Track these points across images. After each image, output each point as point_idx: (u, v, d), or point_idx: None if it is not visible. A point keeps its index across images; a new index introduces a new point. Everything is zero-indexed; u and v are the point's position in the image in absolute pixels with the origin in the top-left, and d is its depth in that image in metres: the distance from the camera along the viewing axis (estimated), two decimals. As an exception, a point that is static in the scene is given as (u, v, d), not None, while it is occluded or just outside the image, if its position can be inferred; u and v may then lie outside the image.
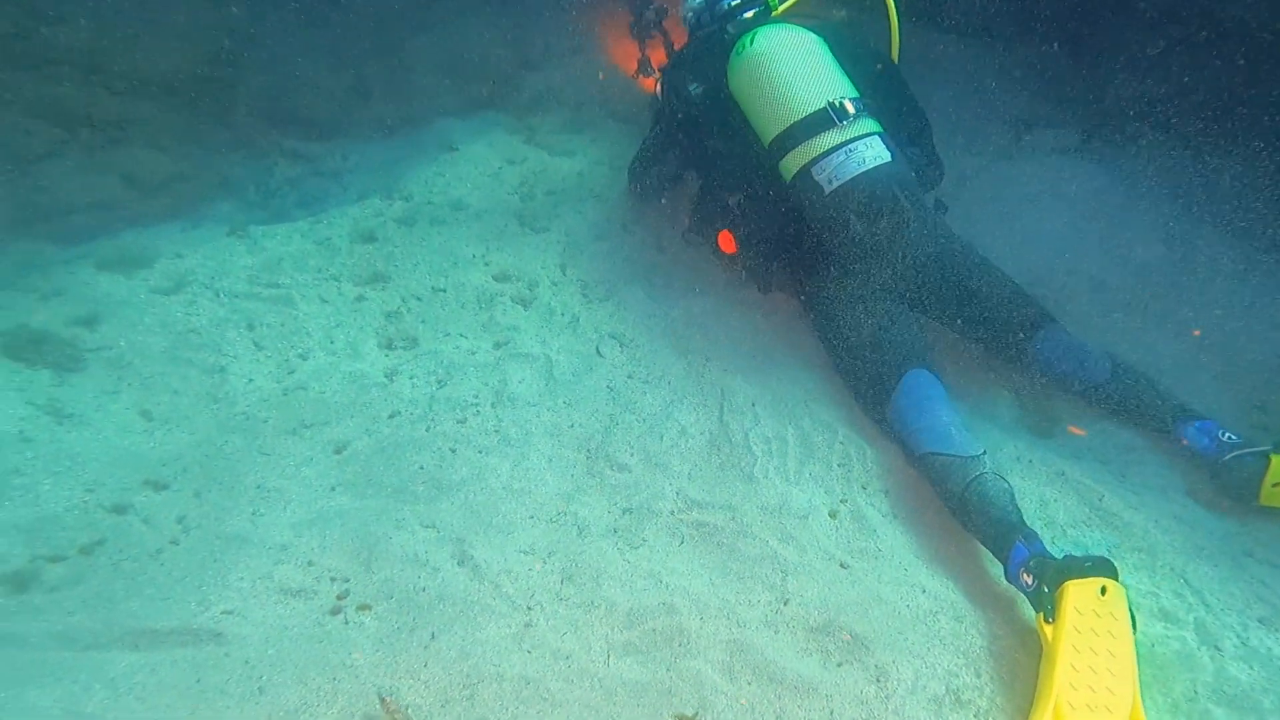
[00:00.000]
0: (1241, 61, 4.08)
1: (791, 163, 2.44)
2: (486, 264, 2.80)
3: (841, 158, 2.37)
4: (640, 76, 3.67)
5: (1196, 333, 3.05)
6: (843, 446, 2.32)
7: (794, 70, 2.45)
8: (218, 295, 2.53)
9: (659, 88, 2.99)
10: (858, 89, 2.53)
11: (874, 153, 2.39)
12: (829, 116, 2.39)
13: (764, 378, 2.49)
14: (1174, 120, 4.25)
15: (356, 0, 4.45)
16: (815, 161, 2.39)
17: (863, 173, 2.36)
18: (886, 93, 2.63)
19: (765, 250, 2.56)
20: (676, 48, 3.55)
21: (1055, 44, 4.77)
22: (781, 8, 2.87)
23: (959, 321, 2.54)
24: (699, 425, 2.34)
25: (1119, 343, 2.96)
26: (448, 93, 4.13)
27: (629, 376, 2.46)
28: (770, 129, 2.47)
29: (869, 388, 2.33)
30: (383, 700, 1.59)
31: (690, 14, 3.02)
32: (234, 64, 3.66)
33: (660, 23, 3.55)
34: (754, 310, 2.74)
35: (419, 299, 2.64)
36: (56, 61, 2.98)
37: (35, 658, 1.61)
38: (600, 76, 4.18)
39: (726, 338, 2.61)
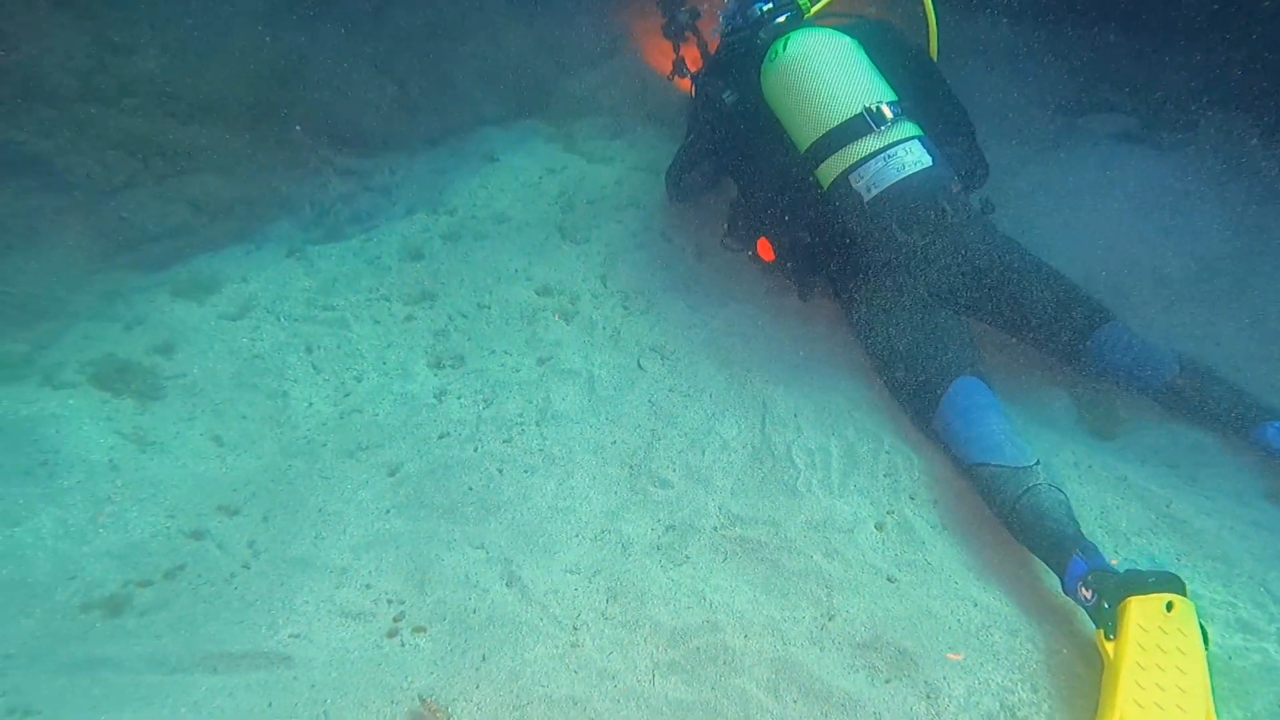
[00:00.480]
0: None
1: (829, 170, 2.41)
2: (529, 278, 2.87)
3: (880, 164, 2.33)
4: (675, 77, 3.68)
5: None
6: (889, 456, 2.30)
7: (828, 75, 2.42)
8: (279, 319, 2.69)
9: (693, 94, 2.97)
10: (896, 91, 2.48)
11: (914, 158, 2.34)
12: (866, 122, 2.36)
13: (806, 387, 2.48)
14: (1240, 102, 3.97)
15: (399, 13, 4.57)
16: (853, 168, 2.36)
17: (903, 179, 2.32)
18: (926, 92, 2.57)
19: (805, 258, 2.53)
20: (711, 50, 3.52)
21: (1110, 22, 4.51)
22: (815, 8, 2.82)
23: (1012, 324, 2.47)
24: (741, 438, 2.36)
25: (1186, 339, 2.83)
26: (488, 102, 4.23)
27: (670, 390, 2.49)
28: (806, 136, 2.44)
29: (915, 397, 2.30)
30: (423, 701, 1.69)
31: (723, 20, 2.99)
32: (287, 85, 3.82)
33: (694, 23, 3.54)
34: (795, 317, 2.73)
35: (465, 316, 2.73)
36: (130, 93, 3.18)
37: (129, 680, 1.78)
38: (636, 82, 4.19)
39: (767, 347, 2.60)
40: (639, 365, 2.58)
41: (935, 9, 2.69)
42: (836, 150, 2.38)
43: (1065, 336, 2.40)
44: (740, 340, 2.63)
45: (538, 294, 2.82)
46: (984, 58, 4.24)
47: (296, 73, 3.91)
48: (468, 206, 3.23)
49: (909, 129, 2.40)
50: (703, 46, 3.54)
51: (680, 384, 2.51)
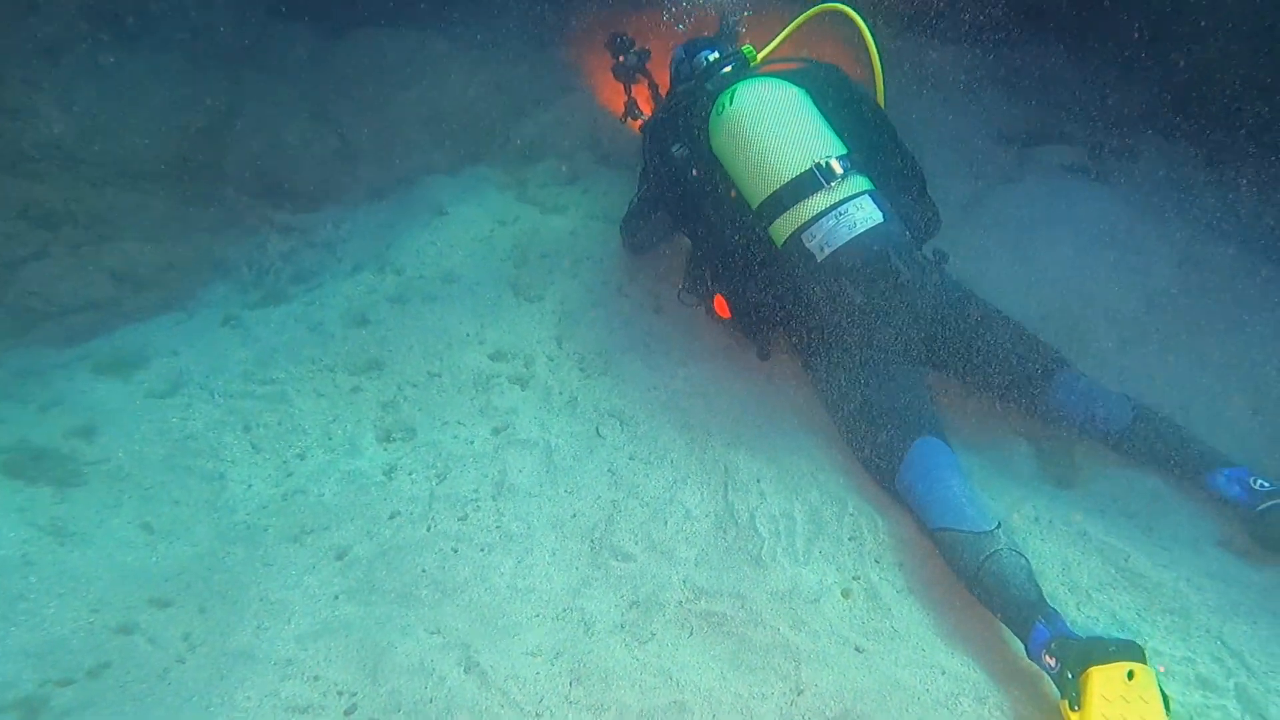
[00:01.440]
0: (1252, 56, 4.02)
1: (781, 228, 2.43)
2: (481, 342, 2.84)
3: (832, 222, 2.35)
4: (628, 119, 3.67)
5: None
6: (853, 518, 2.33)
7: (776, 130, 2.43)
8: (213, 395, 2.60)
9: (644, 144, 3.00)
10: (845, 142, 2.49)
11: (865, 214, 2.36)
12: (816, 178, 2.37)
13: (769, 449, 2.50)
14: (1181, 125, 4.20)
15: (337, 57, 4.52)
16: (805, 227, 2.38)
17: (855, 237, 2.34)
18: (875, 142, 2.59)
19: (761, 317, 2.56)
20: (662, 92, 3.56)
21: (1058, 46, 4.74)
22: (761, 55, 2.83)
23: (968, 375, 2.54)
24: (703, 507, 2.36)
25: (1139, 378, 2.94)
26: (436, 149, 4.20)
27: (630, 458, 2.49)
28: (756, 193, 2.46)
29: (876, 458, 2.34)
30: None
31: (671, 69, 3.04)
32: (216, 140, 3.71)
33: (643, 65, 3.55)
34: (756, 374, 2.76)
35: (415, 385, 2.69)
36: (32, 158, 3.02)
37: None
38: (589, 122, 4.22)
39: (729, 407, 2.62)
40: (597, 432, 2.57)
41: (881, 58, 2.69)
42: (788, 208, 2.39)
43: (1022, 385, 2.48)
44: (701, 401, 2.64)
45: (491, 359, 2.79)
46: (937, 88, 4.40)
47: (225, 126, 3.80)
48: (415, 265, 3.20)
49: (859, 183, 2.42)
50: (654, 88, 3.57)
51: (640, 451, 2.50)
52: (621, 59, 3.54)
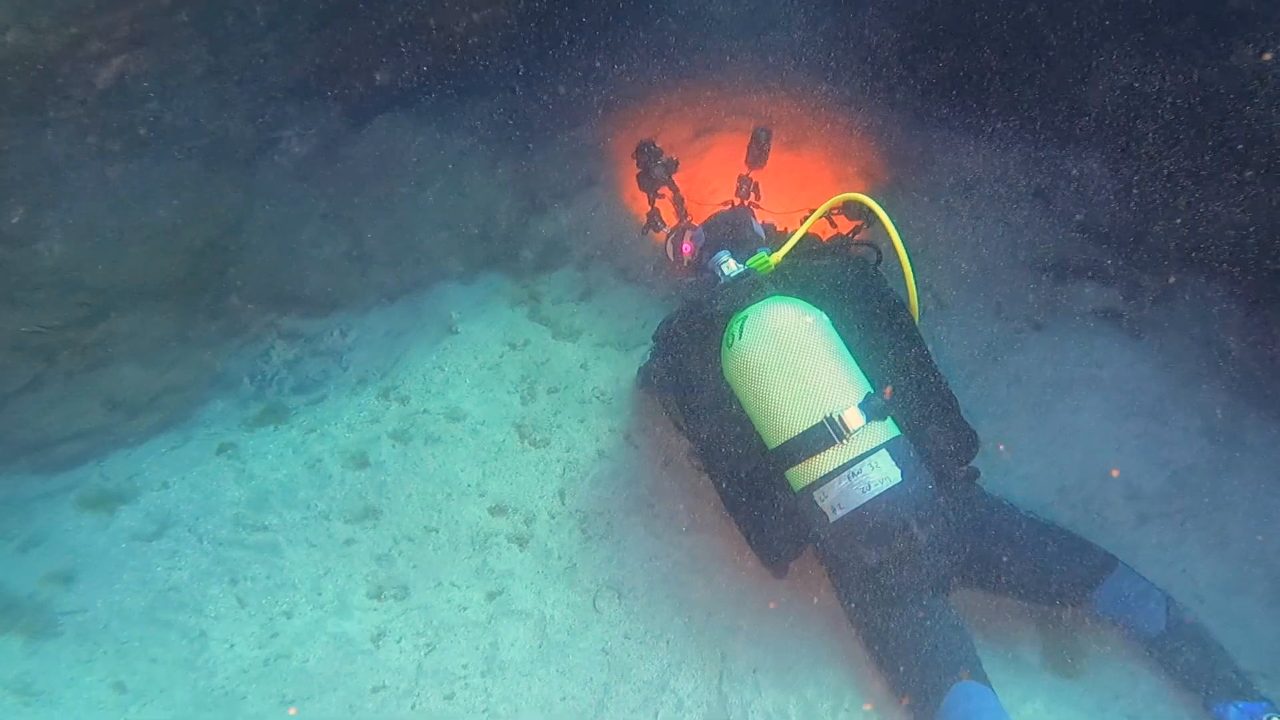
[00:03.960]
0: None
1: (795, 478, 2.37)
2: (482, 494, 2.90)
3: (845, 483, 2.27)
4: (650, 231, 3.66)
5: None
6: (848, 715, 2.36)
7: (786, 379, 2.34)
8: (201, 541, 2.65)
9: (651, 346, 2.96)
10: (868, 376, 2.42)
11: (880, 474, 2.27)
12: (828, 433, 2.29)
13: (769, 636, 2.54)
14: (1221, 266, 4.01)
15: (352, 151, 4.64)
16: (816, 484, 2.31)
17: (868, 501, 2.26)
18: (904, 362, 2.50)
19: (778, 547, 2.50)
20: (687, 207, 3.55)
21: (1096, 156, 4.34)
22: (776, 257, 2.73)
23: (1007, 589, 2.52)
24: (696, 696, 2.39)
25: (1154, 561, 2.96)
26: (449, 254, 4.27)
27: (625, 636, 2.52)
28: (769, 438, 2.40)
29: (913, 699, 2.31)
30: None
31: (693, 246, 3.11)
32: (223, 251, 3.67)
33: (670, 177, 3.53)
34: (761, 547, 2.80)
35: (411, 540, 2.74)
36: (30, 287, 2.90)
37: None
38: (609, 226, 4.29)
39: (730, 586, 2.67)
40: (594, 606, 2.61)
41: (913, 268, 2.59)
42: (800, 461, 2.32)
43: (1062, 596, 2.48)
44: (702, 578, 2.69)
45: (491, 514, 2.85)
46: (966, 197, 4.31)
47: (233, 234, 3.77)
48: (421, 395, 3.28)
49: (878, 434, 2.31)
50: (679, 202, 3.54)
51: (636, 629, 2.54)
52: (648, 169, 3.47)
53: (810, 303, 2.50)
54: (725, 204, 3.57)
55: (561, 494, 2.94)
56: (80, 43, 2.79)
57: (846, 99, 4.89)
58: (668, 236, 3.66)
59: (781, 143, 3.77)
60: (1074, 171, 4.46)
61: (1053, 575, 2.47)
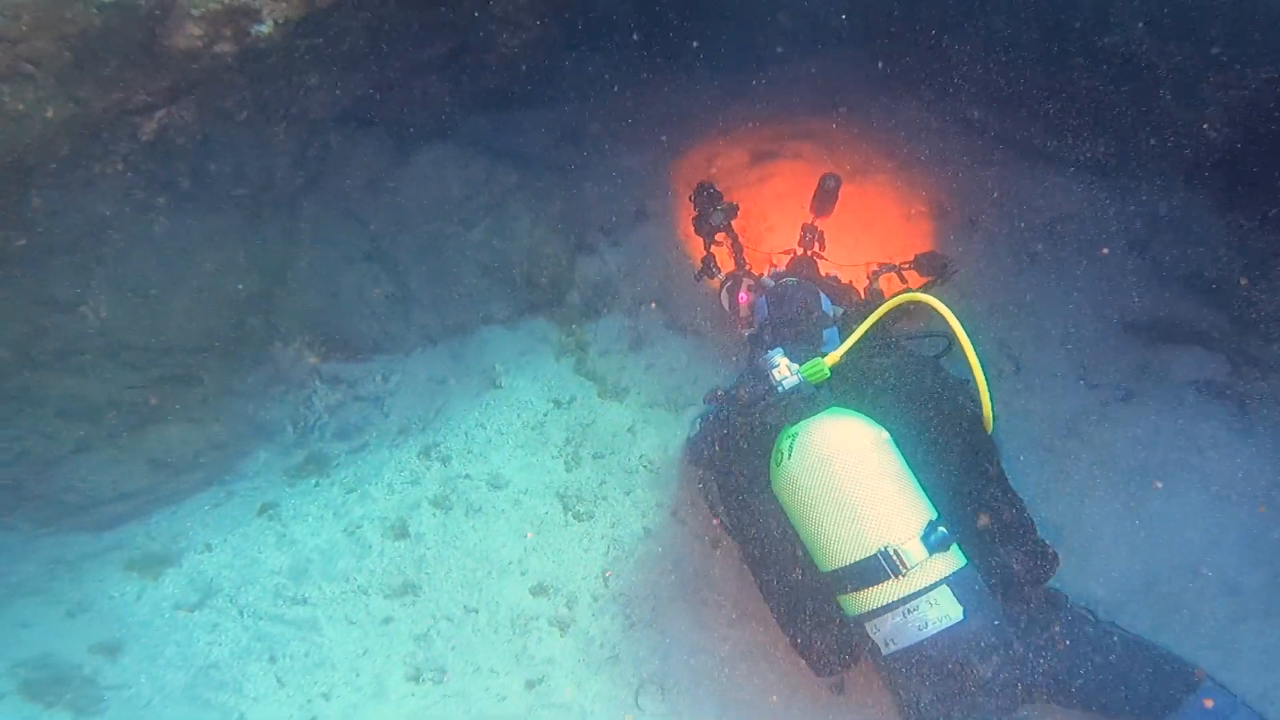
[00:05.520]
0: None
1: (847, 604, 2.29)
2: (524, 572, 2.91)
3: (899, 619, 2.15)
4: (704, 278, 3.60)
5: None
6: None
7: (838, 507, 2.21)
8: (242, 614, 2.70)
9: (700, 416, 2.90)
10: (932, 500, 2.28)
11: (940, 611, 2.14)
12: (883, 567, 2.15)
13: (820, 744, 2.49)
14: None
15: (402, 184, 4.68)
16: (868, 616, 2.21)
17: (924, 639, 2.14)
18: (974, 480, 2.38)
19: (830, 660, 2.39)
20: (745, 256, 3.48)
21: (1203, 196, 3.99)
22: (832, 358, 2.54)
23: (1079, 707, 2.41)
24: (744, 810, 2.35)
25: (1247, 665, 2.81)
26: (493, 298, 4.31)
27: (669, 739, 2.50)
28: (820, 562, 2.31)
29: None
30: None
31: (755, 318, 3.07)
32: (268, 299, 3.70)
33: (728, 223, 3.44)
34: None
35: (450, 620, 2.76)
36: (76, 351, 2.91)
37: None
38: (661, 268, 4.24)
39: (778, 685, 2.63)
40: (636, 703, 2.59)
41: (987, 376, 2.38)
42: (852, 590, 2.22)
43: (1142, 712, 2.38)
44: (749, 671, 2.66)
45: (532, 594, 2.85)
46: (1056, 243, 4.05)
47: (278, 281, 3.78)
48: (462, 455, 3.30)
49: (940, 567, 2.18)
50: (737, 249, 3.45)
51: (678, 731, 2.52)
52: (705, 214, 3.39)
53: (868, 414, 2.38)
54: (788, 253, 3.50)
55: (605, 576, 2.93)
56: (124, 102, 2.81)
57: (913, 121, 4.71)
58: (723, 284, 3.62)
59: (843, 172, 3.64)
60: (1177, 214, 4.11)
61: (1131, 695, 2.35)
